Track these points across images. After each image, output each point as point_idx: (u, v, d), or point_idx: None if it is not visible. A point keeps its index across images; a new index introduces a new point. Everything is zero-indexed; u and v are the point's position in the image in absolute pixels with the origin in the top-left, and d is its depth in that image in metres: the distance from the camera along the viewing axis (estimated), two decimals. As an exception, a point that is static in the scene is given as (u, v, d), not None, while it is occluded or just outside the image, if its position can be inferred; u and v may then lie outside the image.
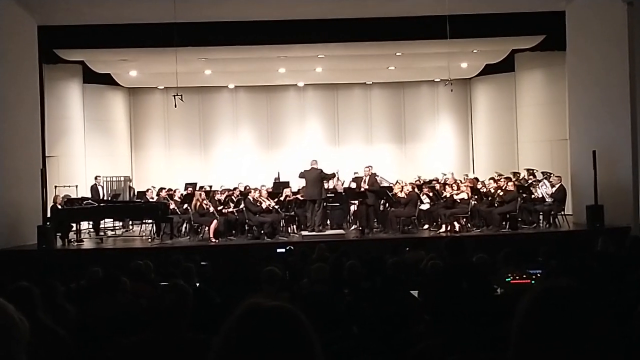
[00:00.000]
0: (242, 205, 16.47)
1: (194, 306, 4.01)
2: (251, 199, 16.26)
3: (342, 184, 18.35)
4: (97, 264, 8.98)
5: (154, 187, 18.45)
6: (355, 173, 18.89)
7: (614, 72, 15.17)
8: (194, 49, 18.21)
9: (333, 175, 17.23)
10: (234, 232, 16.63)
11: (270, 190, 17.70)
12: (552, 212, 16.27)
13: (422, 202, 16.80)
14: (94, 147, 21.40)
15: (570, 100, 17.73)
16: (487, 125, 23.09)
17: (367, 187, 16.57)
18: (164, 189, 18.19)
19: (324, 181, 16.65)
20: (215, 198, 17.04)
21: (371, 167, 17.46)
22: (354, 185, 17.68)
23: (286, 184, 18.32)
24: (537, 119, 21.10)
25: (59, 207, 16.35)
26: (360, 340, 4.80)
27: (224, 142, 23.65)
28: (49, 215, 15.79)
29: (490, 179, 18.01)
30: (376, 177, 17.27)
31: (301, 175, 16.54)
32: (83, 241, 16.69)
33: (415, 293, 6.24)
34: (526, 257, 8.76)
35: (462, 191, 16.55)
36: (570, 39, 17.21)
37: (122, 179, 21.80)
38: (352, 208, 17.62)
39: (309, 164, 16.53)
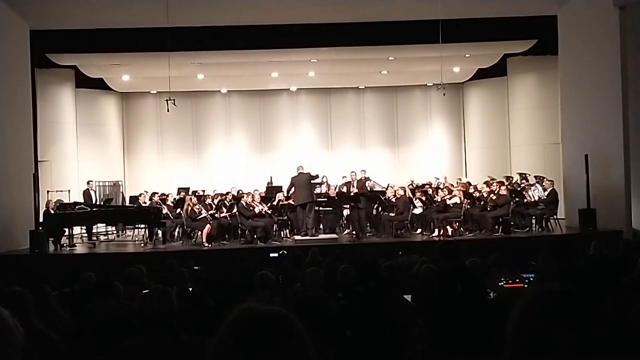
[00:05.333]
0: (235, 210, 16.47)
1: (188, 310, 4.02)
2: (244, 204, 16.25)
3: (335, 188, 18.36)
4: (90, 269, 8.96)
5: (146, 192, 18.42)
6: (343, 177, 18.91)
7: (606, 76, 15.21)
8: (186, 54, 18.21)
9: (317, 176, 17.22)
10: (227, 236, 16.62)
11: (263, 194, 17.71)
12: (545, 216, 16.29)
13: (414, 207, 16.82)
14: (87, 152, 21.33)
15: (563, 104, 17.79)
16: (480, 129, 23.13)
17: (356, 190, 16.61)
18: (157, 193, 18.15)
19: (314, 184, 16.70)
20: (207, 202, 17.02)
21: (364, 171, 17.50)
22: (345, 189, 17.72)
23: (279, 188, 18.31)
24: (530, 123, 21.15)
25: (52, 211, 16.29)
26: (354, 344, 4.80)
27: (217, 146, 23.63)
28: (41, 220, 15.73)
29: (483, 183, 18.03)
30: (366, 182, 17.29)
31: (291, 184, 16.57)
32: (76, 246, 16.62)
33: (408, 297, 6.25)
34: (519, 261, 8.78)
35: (455, 195, 16.56)
36: (562, 43, 17.27)
37: (114, 183, 21.74)
38: (345, 212, 17.61)
39: (295, 170, 16.59)
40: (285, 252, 13.12)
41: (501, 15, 17.13)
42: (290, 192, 16.87)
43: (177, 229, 17.13)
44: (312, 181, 16.76)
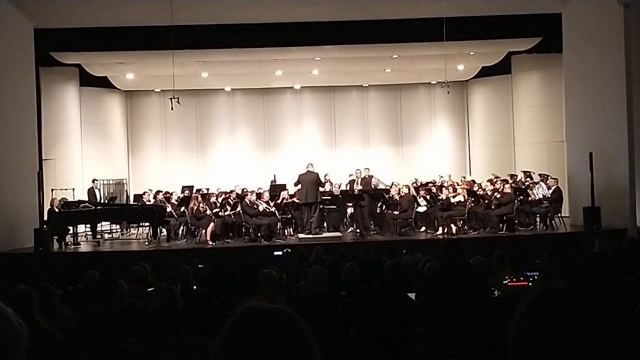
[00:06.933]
0: (239, 208, 16.46)
1: (191, 309, 4.02)
2: (248, 202, 16.25)
3: (339, 187, 18.35)
4: (94, 267, 8.97)
5: (150, 190, 18.42)
6: (350, 175, 18.91)
7: (611, 74, 15.17)
8: (190, 52, 18.21)
9: (324, 185, 17.21)
10: (231, 234, 16.62)
11: (268, 192, 17.69)
12: (549, 214, 16.26)
13: (419, 205, 16.80)
14: (91, 150, 21.38)
15: (567, 102, 17.75)
16: (484, 127, 23.10)
17: (360, 188, 16.62)
18: (161, 191, 18.15)
19: (319, 185, 16.69)
20: (211, 201, 17.02)
21: (368, 169, 17.49)
22: (348, 187, 17.71)
23: (283, 187, 18.29)
24: (534, 121, 21.12)
25: (56, 210, 16.32)
26: (358, 342, 4.80)
27: (221, 144, 23.64)
28: (46, 218, 15.76)
29: (487, 181, 17.99)
30: (370, 179, 17.29)
31: (298, 181, 16.51)
32: (80, 244, 16.67)
33: (412, 295, 6.24)
34: (523, 259, 8.77)
35: (459, 193, 16.56)
36: (566, 40, 17.25)
37: (118, 181, 21.76)
38: (349, 210, 17.61)
39: (304, 167, 16.50)
40: (289, 250, 13.10)
41: (505, 13, 17.10)
42: (297, 188, 16.82)
43: (181, 227, 17.15)
44: (319, 184, 16.66)
